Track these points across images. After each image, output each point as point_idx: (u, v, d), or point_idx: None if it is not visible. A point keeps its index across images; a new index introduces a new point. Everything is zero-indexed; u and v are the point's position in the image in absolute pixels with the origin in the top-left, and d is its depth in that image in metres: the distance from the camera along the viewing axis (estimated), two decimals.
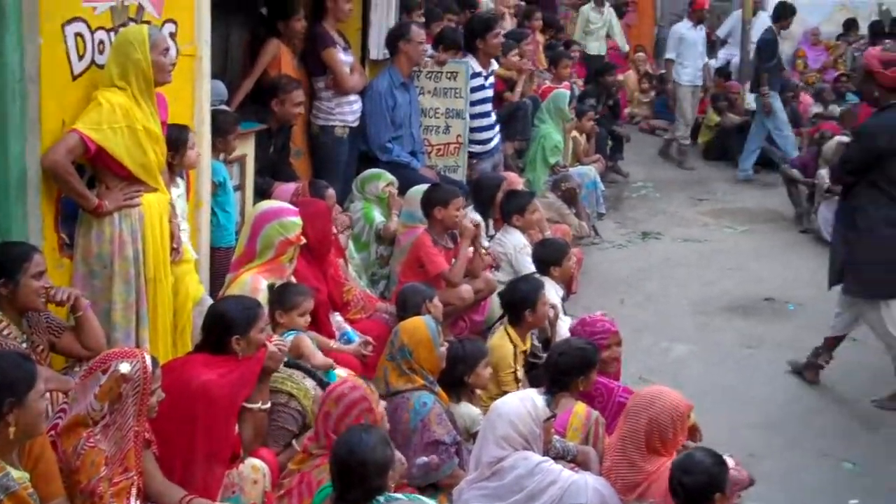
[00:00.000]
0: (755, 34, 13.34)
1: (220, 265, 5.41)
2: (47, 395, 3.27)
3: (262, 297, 4.65)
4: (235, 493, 3.81)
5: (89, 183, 4.24)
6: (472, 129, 7.95)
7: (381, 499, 3.25)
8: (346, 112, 7.14)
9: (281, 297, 4.74)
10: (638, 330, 7.08)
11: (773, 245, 9.36)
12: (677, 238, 9.57)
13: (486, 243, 6.68)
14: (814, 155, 9.97)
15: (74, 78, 4.14)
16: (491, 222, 7.20)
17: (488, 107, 8.13)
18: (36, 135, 3.96)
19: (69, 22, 4.06)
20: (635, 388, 4.82)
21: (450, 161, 7.86)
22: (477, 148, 8.03)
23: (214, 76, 5.50)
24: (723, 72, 13.73)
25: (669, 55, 12.52)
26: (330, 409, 3.76)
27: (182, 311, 4.68)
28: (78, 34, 4.12)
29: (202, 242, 5.27)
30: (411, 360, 4.46)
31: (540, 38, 11.47)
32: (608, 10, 12.95)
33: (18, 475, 2.91)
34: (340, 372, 4.64)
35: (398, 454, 3.73)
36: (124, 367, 3.34)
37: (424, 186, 6.46)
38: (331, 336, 5.22)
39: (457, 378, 4.66)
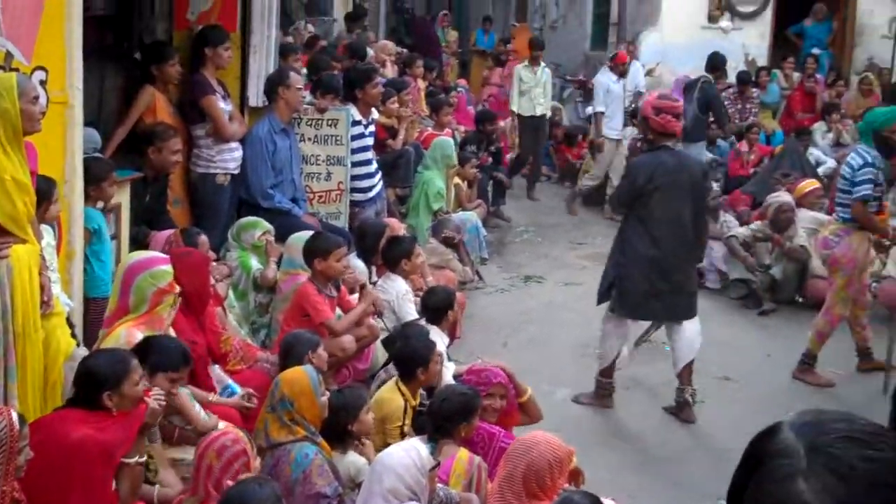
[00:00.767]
0: (629, 82, 13.78)
1: (96, 316, 5.25)
2: None
3: None
4: None
5: None
6: (354, 177, 7.97)
7: None
8: (228, 159, 7.07)
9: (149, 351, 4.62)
10: (521, 373, 7.10)
11: None
12: (559, 282, 9.74)
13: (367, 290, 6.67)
14: None
15: None
16: (373, 269, 7.20)
17: (369, 155, 8.17)
18: None
19: None
20: (518, 434, 4.86)
21: (332, 208, 7.85)
22: (359, 196, 8.04)
23: (88, 124, 5.38)
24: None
25: (600, 108, 12.55)
26: (211, 462, 3.68)
27: (53, 366, 4.51)
28: None
29: (75, 293, 5.12)
30: (292, 411, 4.39)
31: (421, 85, 11.60)
32: (542, 70, 13.19)
33: None
34: (220, 426, 4.55)
35: None
36: None
37: (306, 233, 6.43)
38: (211, 390, 5.11)
39: (340, 427, 4.61)
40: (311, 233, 6.46)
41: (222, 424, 4.57)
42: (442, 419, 4.58)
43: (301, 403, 4.40)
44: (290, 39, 10.13)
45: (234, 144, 7.09)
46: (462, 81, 16.98)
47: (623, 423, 6.56)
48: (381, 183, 8.37)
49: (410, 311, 6.38)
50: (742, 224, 9.77)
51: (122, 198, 5.98)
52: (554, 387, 7.09)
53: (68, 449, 3.65)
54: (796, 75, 14.97)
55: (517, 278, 9.72)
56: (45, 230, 4.70)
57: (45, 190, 4.56)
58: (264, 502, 3.20)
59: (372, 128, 8.28)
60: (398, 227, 7.73)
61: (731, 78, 14.12)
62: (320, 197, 7.83)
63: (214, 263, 5.90)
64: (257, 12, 7.37)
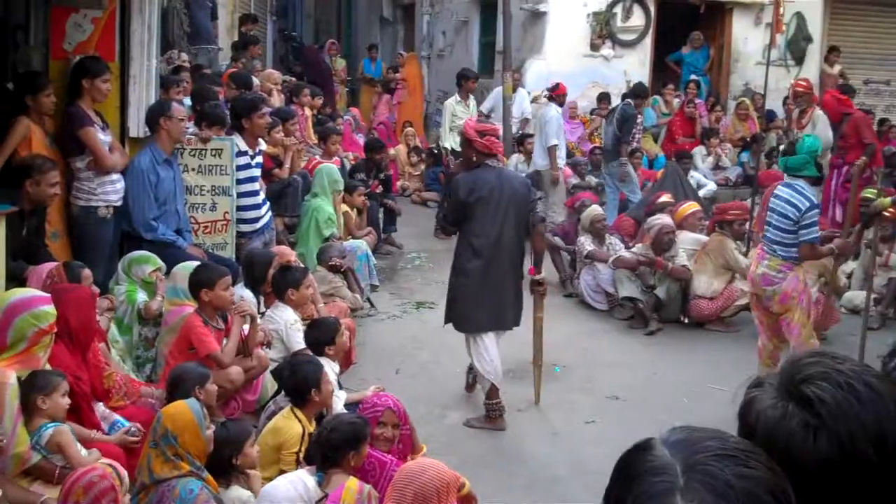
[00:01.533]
0: (516, 110, 14.01)
1: None
2: None
3: (12, 391, 4.37)
4: None
5: None
6: (241, 208, 7.89)
7: None
8: (109, 191, 6.91)
9: (37, 382, 4.49)
10: (413, 399, 7.13)
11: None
12: None
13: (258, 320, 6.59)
14: (574, 223, 10.50)
15: None
16: (262, 298, 7.12)
17: (256, 185, 8.10)
18: None
19: None
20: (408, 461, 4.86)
21: (218, 239, 7.75)
22: (245, 227, 7.95)
23: None
24: None
25: (554, 141, 12.43)
26: (78, 499, 3.58)
27: None
28: None
29: None
30: (176, 446, 4.31)
31: (309, 113, 11.57)
32: (473, 104, 13.27)
33: None
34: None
35: None
36: None
37: (191, 263, 6.33)
38: (96, 427, 4.98)
39: (224, 461, 4.54)
40: (196, 263, 6.37)
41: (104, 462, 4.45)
42: (330, 449, 4.54)
43: (185, 438, 4.32)
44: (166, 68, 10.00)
45: (116, 176, 6.95)
46: (353, 110, 17.02)
47: (513, 445, 6.60)
48: (269, 214, 8.30)
49: (299, 341, 6.33)
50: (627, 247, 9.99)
51: None
52: (446, 411, 7.14)
53: None
54: (676, 101, 15.43)
55: (409, 304, 9.73)
56: None
57: None
58: None
59: (259, 158, 8.22)
60: (290, 255, 7.66)
61: (615, 103, 14.48)
62: (206, 228, 7.73)
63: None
64: (136, 42, 7.25)
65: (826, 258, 8.29)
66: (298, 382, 5.26)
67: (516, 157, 13.64)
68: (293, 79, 14.19)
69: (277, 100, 10.85)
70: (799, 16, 16.49)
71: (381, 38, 23.56)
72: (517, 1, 15.56)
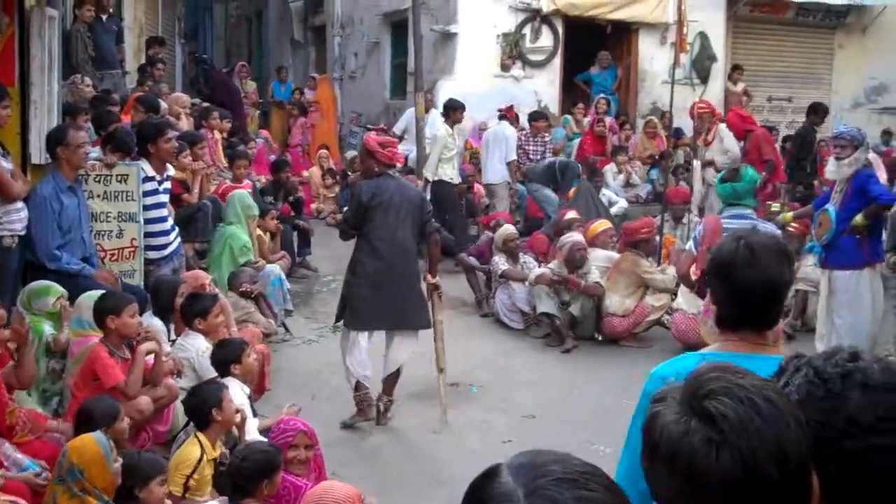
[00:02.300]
0: (429, 130, 14.06)
1: None
2: None
3: None
4: None
5: None
6: (148, 234, 7.72)
7: None
8: (14, 220, 6.70)
9: None
10: (329, 423, 7.09)
11: (457, 330, 9.68)
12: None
13: (167, 348, 6.46)
14: (488, 243, 10.55)
15: None
16: (172, 326, 6.98)
17: (164, 211, 7.94)
18: None
19: None
20: None
21: (125, 266, 7.56)
22: (153, 254, 7.77)
23: None
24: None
25: (513, 156, 13.15)
26: None
27: None
28: None
29: None
30: (83, 481, 4.19)
31: (219, 136, 11.43)
32: (459, 133, 13.24)
33: None
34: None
35: None
36: None
37: (96, 292, 6.17)
38: None
39: (126, 492, 4.40)
40: (100, 292, 6.20)
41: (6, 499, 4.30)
42: (242, 478, 4.47)
43: (91, 472, 4.21)
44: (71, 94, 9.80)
45: (20, 204, 6.74)
46: (264, 132, 16.89)
47: (431, 466, 6.57)
48: (177, 240, 8.14)
49: (211, 369, 6.21)
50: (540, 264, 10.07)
51: None
52: (363, 434, 7.09)
53: None
54: (586, 120, 15.65)
55: (325, 328, 9.62)
56: None
57: None
58: None
59: (167, 184, 8.05)
60: (204, 279, 7.51)
61: (523, 121, 14.66)
62: (112, 255, 7.54)
63: None
64: (37, 66, 7.08)
65: None
66: (197, 403, 5.19)
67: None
68: (203, 102, 14.02)
69: (186, 123, 10.70)
70: (703, 35, 16.90)
71: (293, 61, 23.48)
72: (427, 22, 15.64)
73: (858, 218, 7.53)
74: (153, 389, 5.84)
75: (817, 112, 13.35)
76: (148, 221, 7.69)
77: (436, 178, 12.55)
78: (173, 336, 6.87)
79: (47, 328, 6.29)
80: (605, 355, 9.19)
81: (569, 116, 15.98)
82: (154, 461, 4.59)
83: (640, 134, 15.90)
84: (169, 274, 7.72)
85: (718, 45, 17.30)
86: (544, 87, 16.25)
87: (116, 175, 7.51)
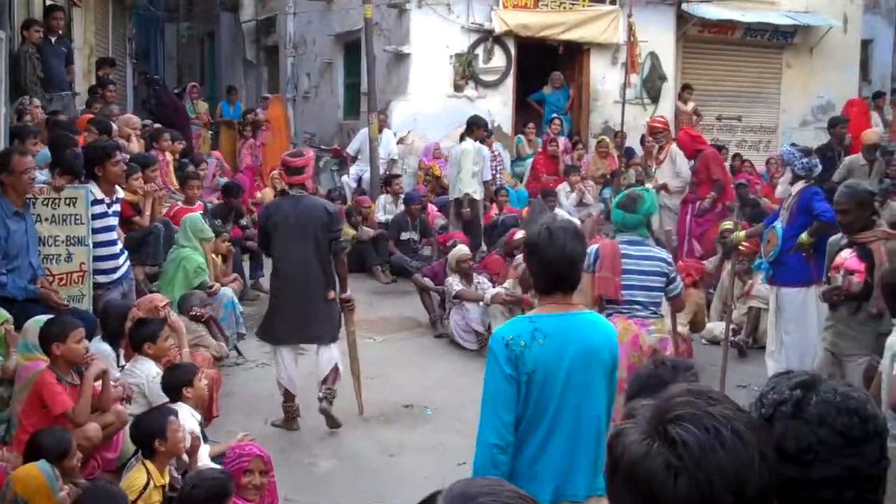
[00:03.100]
0: (382, 151, 14.07)
1: None
2: None
3: None
4: None
5: None
6: (98, 258, 7.60)
7: None
8: None
9: None
10: (283, 449, 7.03)
11: (411, 352, 9.70)
12: None
13: (116, 374, 6.37)
14: (443, 263, 10.55)
15: None
16: (121, 351, 6.89)
17: (113, 235, 7.82)
18: None
19: None
20: None
21: (74, 290, 7.44)
22: (103, 278, 7.65)
23: None
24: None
25: (488, 176, 13.36)
26: None
27: None
28: None
29: None
30: None
31: (170, 157, 11.34)
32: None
33: None
34: None
35: None
36: None
37: (43, 317, 6.08)
38: None
39: None
40: (46, 317, 6.10)
41: None
42: None
43: (37, 502, 4.13)
44: (25, 117, 9.67)
45: None
46: (216, 153, 16.78)
47: (384, 490, 6.53)
48: (127, 263, 8.03)
49: (161, 395, 6.13)
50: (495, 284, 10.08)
51: None
52: (316, 459, 7.04)
53: None
54: (539, 140, 15.75)
55: None
56: None
57: None
58: None
59: (116, 207, 7.95)
60: (158, 301, 7.42)
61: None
62: (61, 279, 7.43)
63: None
64: None
65: (701, 299, 8.73)
66: (141, 434, 5.14)
67: (384, 199, 13.71)
68: (154, 123, 13.92)
69: (136, 145, 10.60)
70: (653, 55, 17.11)
71: (246, 81, 23.40)
72: (380, 43, 15.69)
73: (804, 236, 7.64)
74: (102, 416, 5.76)
75: (835, 126, 13.41)
76: (97, 245, 7.59)
77: (463, 195, 12.75)
78: (123, 361, 6.77)
79: None
80: None
81: (522, 136, 16.08)
82: (111, 496, 4.50)
83: (593, 153, 16.02)
84: (118, 298, 7.62)
85: (668, 65, 17.53)
86: (497, 106, 16.34)
87: (65, 198, 7.41)
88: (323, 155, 17.08)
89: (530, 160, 15.38)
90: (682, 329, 9.04)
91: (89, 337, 6.16)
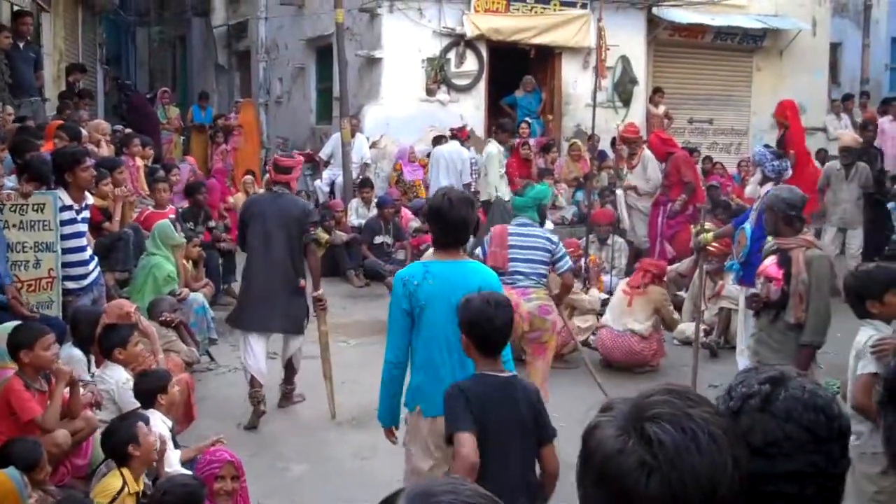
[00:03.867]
0: (355, 155, 14.06)
1: None
2: None
3: None
4: None
5: None
6: (67, 265, 7.52)
7: None
8: None
9: None
10: (254, 454, 7.00)
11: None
12: None
13: (86, 377, 6.34)
14: None
15: None
16: (92, 358, 6.84)
17: (83, 241, 7.74)
18: None
19: None
20: None
21: (43, 297, 7.37)
22: (72, 284, 7.57)
23: None
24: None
25: (469, 179, 13.62)
26: None
27: None
28: None
29: None
30: None
31: (140, 163, 11.28)
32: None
33: None
34: None
35: None
36: None
37: (11, 324, 6.03)
38: None
39: None
40: (14, 324, 6.06)
41: None
42: None
43: None
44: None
45: None
46: (190, 159, 16.71)
47: (357, 493, 6.51)
48: (97, 270, 7.97)
49: (132, 401, 6.09)
50: None
51: None
52: (289, 463, 7.01)
53: None
54: (511, 142, 15.79)
55: None
56: None
57: None
58: None
59: (86, 213, 7.87)
60: (128, 307, 7.37)
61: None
62: (30, 286, 7.35)
63: None
64: None
65: (662, 295, 8.80)
66: (113, 442, 5.10)
67: (356, 202, 13.72)
68: (125, 129, 13.85)
69: (106, 151, 10.53)
70: (624, 59, 17.19)
71: (217, 86, 23.33)
72: (352, 47, 15.68)
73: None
74: (72, 422, 5.72)
75: (867, 128, 13.36)
76: (66, 251, 7.51)
77: (493, 198, 12.89)
78: (94, 368, 6.73)
79: None
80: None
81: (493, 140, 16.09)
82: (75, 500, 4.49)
83: (565, 157, 16.08)
84: (88, 304, 7.57)
85: (639, 68, 17.62)
86: (470, 110, 16.37)
87: (32, 204, 7.34)
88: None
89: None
90: (644, 327, 9.14)
91: (59, 343, 6.11)
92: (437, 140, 14.68)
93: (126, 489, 4.91)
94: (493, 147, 13.21)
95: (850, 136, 12.86)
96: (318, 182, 15.48)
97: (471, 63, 16.29)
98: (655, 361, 9.30)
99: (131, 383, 6.28)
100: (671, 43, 18.40)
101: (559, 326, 7.72)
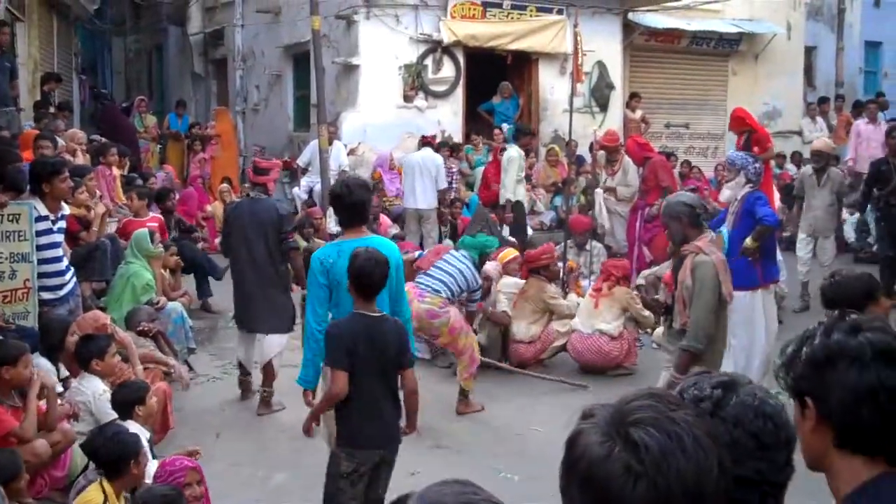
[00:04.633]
0: (333, 163, 14.04)
1: None
2: None
3: None
4: None
5: None
6: (43, 275, 7.46)
7: None
8: None
9: None
10: (236, 463, 6.98)
11: None
12: None
13: (60, 389, 6.31)
14: None
15: None
16: (60, 366, 6.78)
17: (59, 251, 7.68)
18: None
19: None
20: None
21: (19, 308, 7.31)
22: (48, 295, 7.51)
23: None
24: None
25: (444, 185, 13.62)
26: None
27: None
28: None
29: None
30: None
31: (117, 172, 11.23)
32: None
33: None
34: None
35: None
36: None
37: None
38: None
39: None
40: None
41: None
42: None
43: None
44: None
45: None
46: (167, 167, 16.66)
47: None
48: (73, 280, 7.92)
49: (109, 412, 6.06)
50: None
51: None
52: (270, 472, 6.98)
53: None
54: (485, 148, 15.87)
55: (230, 365, 9.46)
56: None
57: None
58: None
59: (62, 223, 7.82)
60: (102, 319, 7.33)
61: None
62: (5, 297, 7.28)
63: None
64: None
65: (627, 295, 8.87)
66: (118, 453, 4.96)
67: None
68: (102, 138, 13.78)
69: (83, 160, 10.48)
70: (601, 64, 17.26)
71: (194, 94, 23.24)
72: (329, 55, 15.67)
73: (748, 241, 7.75)
74: (49, 434, 5.69)
75: (891, 135, 12.75)
76: (42, 261, 7.45)
77: (515, 200, 13.16)
78: (64, 374, 6.68)
79: None
80: (513, 383, 9.23)
81: (471, 146, 16.15)
82: None
83: (543, 162, 16.12)
84: (64, 315, 7.51)
85: (616, 73, 17.69)
86: (448, 116, 16.39)
87: (8, 214, 7.28)
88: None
89: (480, 169, 15.43)
90: (612, 326, 9.19)
91: (33, 352, 6.08)
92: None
93: (107, 503, 4.88)
94: (514, 151, 13.45)
95: (822, 140, 12.86)
96: (296, 189, 15.45)
97: (448, 69, 16.31)
98: (630, 362, 9.37)
99: (108, 394, 6.25)
100: (647, 48, 18.48)
101: (457, 319, 8.34)
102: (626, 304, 9.40)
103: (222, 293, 11.41)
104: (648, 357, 9.47)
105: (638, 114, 17.41)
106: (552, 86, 17.09)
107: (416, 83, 16.01)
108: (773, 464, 1.86)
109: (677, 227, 6.07)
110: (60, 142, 10.43)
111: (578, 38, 11.77)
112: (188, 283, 10.98)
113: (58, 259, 7.62)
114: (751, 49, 19.30)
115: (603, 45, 17.01)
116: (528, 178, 15.14)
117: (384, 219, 13.80)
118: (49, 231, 7.52)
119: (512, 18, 16.57)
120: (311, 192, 14.95)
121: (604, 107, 17.54)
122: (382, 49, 15.77)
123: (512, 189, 13.30)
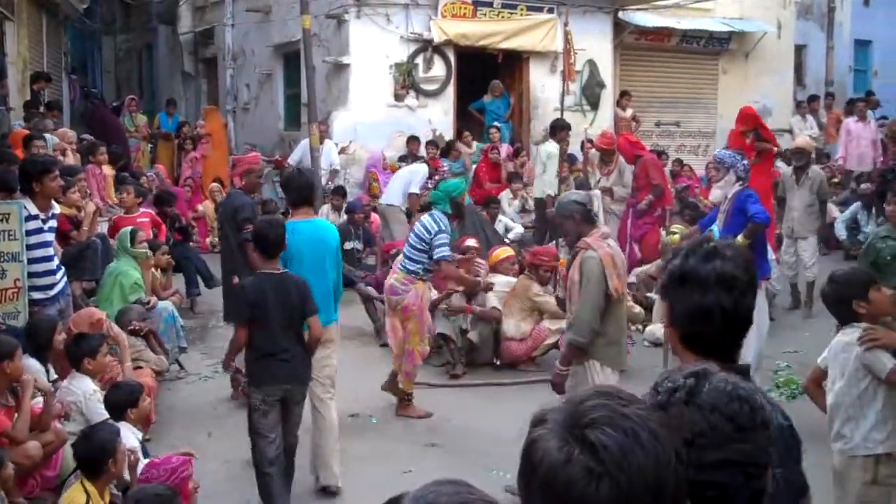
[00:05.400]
0: (324, 162, 14.02)
1: None
2: None
3: None
4: None
5: None
6: (33, 275, 7.41)
7: None
8: None
9: None
10: (229, 461, 6.97)
11: (357, 360, 9.64)
12: None
13: (51, 389, 6.28)
14: (385, 273, 10.51)
15: None
16: (49, 366, 6.75)
17: (49, 250, 7.64)
18: None
19: None
20: None
21: (9, 307, 7.27)
22: (39, 294, 7.47)
23: None
24: None
25: (415, 189, 13.28)
26: None
27: None
28: None
29: None
30: None
31: (108, 171, 11.20)
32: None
33: None
34: None
35: None
36: None
37: None
38: None
39: None
40: None
41: None
42: None
43: None
44: None
45: None
46: (158, 166, 16.62)
47: (330, 499, 6.51)
48: (64, 280, 7.89)
49: (100, 412, 6.04)
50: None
51: None
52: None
53: None
54: (476, 144, 15.86)
55: (221, 364, 9.45)
56: None
57: None
58: None
59: (53, 222, 7.77)
60: (97, 314, 7.30)
61: (422, 150, 14.73)
62: None
63: None
64: None
65: (523, 284, 8.86)
66: (94, 451, 4.99)
67: (326, 208, 13.68)
68: (91, 137, 13.75)
69: (73, 159, 10.45)
70: (591, 63, 17.28)
71: (185, 93, 23.20)
72: (320, 53, 15.66)
73: (739, 239, 7.76)
74: (41, 435, 5.67)
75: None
76: (32, 261, 7.41)
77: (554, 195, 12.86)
78: (53, 376, 6.66)
79: None
80: (502, 380, 9.25)
81: (461, 144, 16.12)
82: None
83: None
84: (55, 314, 7.48)
85: (607, 72, 17.71)
86: (438, 115, 16.38)
87: None
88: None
89: (473, 168, 15.44)
90: (515, 328, 9.24)
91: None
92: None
93: (90, 503, 4.86)
94: (553, 146, 13.36)
95: (804, 138, 12.85)
96: None
97: (438, 68, 16.30)
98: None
99: (99, 394, 6.23)
100: (638, 46, 18.50)
101: (413, 303, 8.12)
102: (526, 293, 9.48)
103: (211, 293, 11.44)
104: (642, 355, 9.48)
105: (629, 112, 17.43)
106: (543, 84, 17.10)
107: (406, 82, 16.00)
108: (754, 445, 1.90)
109: (571, 225, 6.19)
110: (51, 140, 10.40)
111: (569, 36, 11.77)
112: (178, 282, 10.97)
113: (48, 258, 7.57)
114: (741, 48, 19.34)
115: (593, 43, 17.03)
116: (518, 175, 15.17)
117: (375, 217, 13.78)
118: (39, 230, 7.47)
119: (502, 17, 16.57)
120: None
121: (595, 105, 17.56)
122: (373, 48, 15.75)
123: (549, 184, 13.18)
